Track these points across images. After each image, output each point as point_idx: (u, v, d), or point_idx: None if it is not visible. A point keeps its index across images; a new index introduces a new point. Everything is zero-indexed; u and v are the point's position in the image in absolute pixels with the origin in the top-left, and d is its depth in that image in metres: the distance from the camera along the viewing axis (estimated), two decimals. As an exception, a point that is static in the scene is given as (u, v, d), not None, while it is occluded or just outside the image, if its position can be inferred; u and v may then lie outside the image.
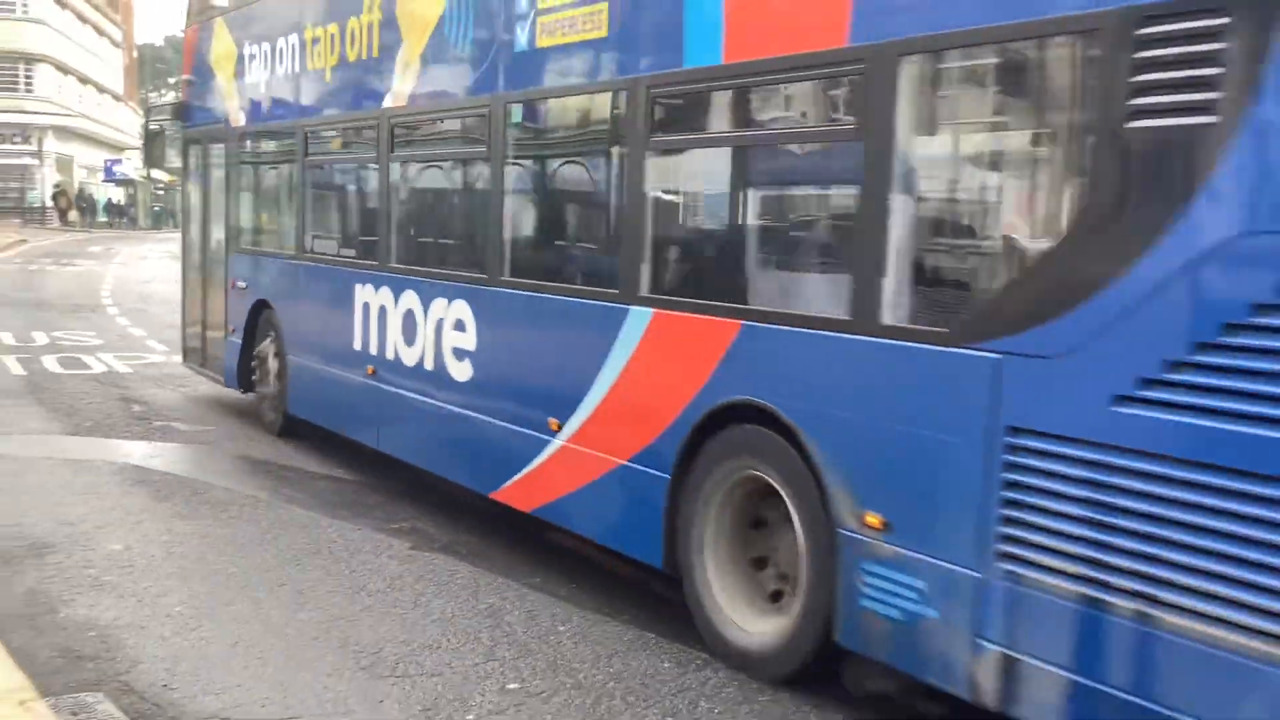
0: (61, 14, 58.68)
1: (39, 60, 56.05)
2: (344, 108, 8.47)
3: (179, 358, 12.27)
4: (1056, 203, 4.03)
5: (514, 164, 6.66)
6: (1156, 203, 3.47)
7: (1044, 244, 3.99)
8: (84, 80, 62.52)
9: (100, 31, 66.67)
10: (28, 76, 56.04)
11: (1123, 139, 3.57)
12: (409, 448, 7.66)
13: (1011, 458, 3.84)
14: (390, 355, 7.63)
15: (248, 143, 10.21)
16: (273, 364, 9.54)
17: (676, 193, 5.81)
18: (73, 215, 52.88)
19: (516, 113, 6.56)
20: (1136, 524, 3.50)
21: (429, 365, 7.19)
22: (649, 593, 5.93)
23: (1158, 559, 3.45)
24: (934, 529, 4.13)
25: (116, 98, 68.40)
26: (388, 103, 7.69)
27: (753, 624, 5.03)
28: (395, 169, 7.80)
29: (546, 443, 6.15)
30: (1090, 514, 3.62)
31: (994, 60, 4.24)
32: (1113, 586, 3.57)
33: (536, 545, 6.65)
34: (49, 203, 53.96)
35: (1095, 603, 3.61)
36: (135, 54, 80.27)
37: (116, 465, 8.36)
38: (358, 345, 8.05)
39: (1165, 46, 3.44)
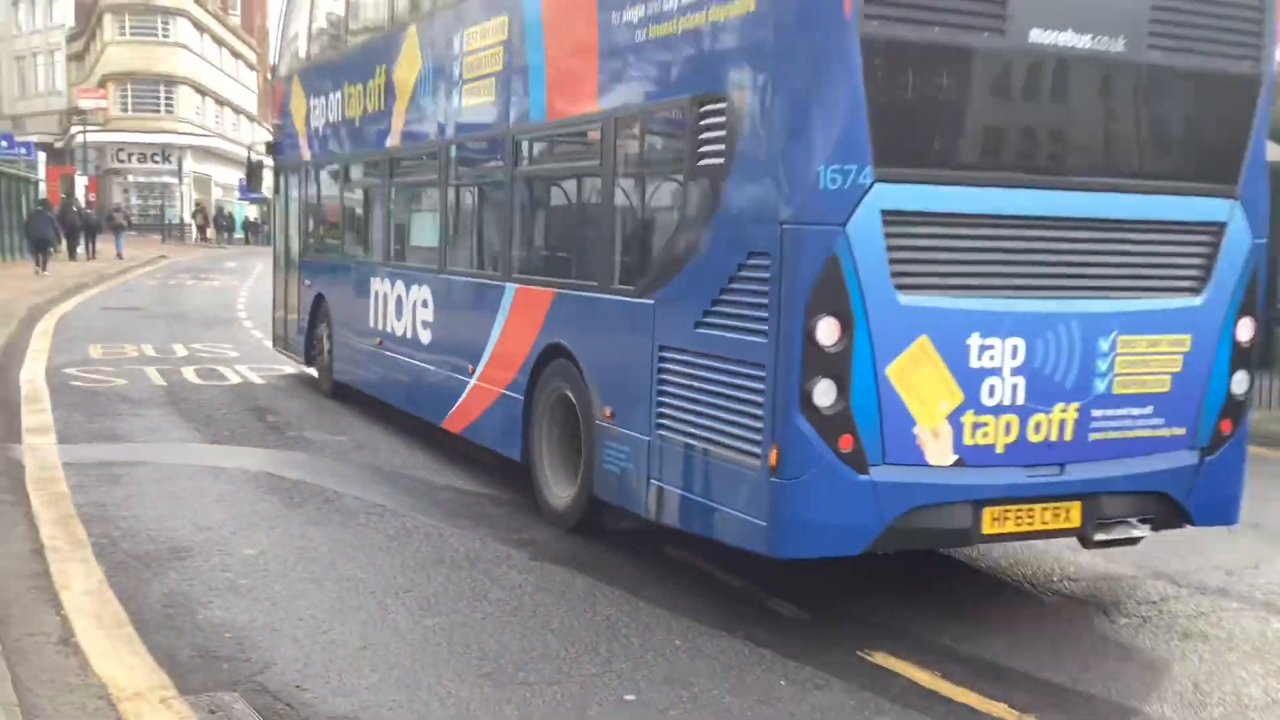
0: (200, 38, 61.01)
1: (179, 83, 58.35)
2: (366, 147, 11.06)
3: (313, 369, 12.73)
4: (675, 212, 6.27)
5: (451, 188, 9.35)
6: (706, 212, 5.79)
7: (667, 236, 6.26)
8: (221, 102, 64.86)
9: (236, 54, 69.11)
10: (168, 98, 58.37)
11: (695, 174, 5.87)
12: (398, 396, 10.39)
13: (660, 364, 6.13)
14: (389, 329, 10.36)
15: (312, 172, 12.94)
16: (326, 343, 12.19)
17: (527, 204, 8.36)
18: (210, 231, 54.88)
19: (454, 151, 9.17)
20: (702, 395, 5.76)
21: (409, 334, 9.89)
22: (764, 609, 5.95)
23: (710, 415, 5.70)
24: (631, 414, 6.41)
25: (251, 118, 70.79)
26: (389, 143, 10.37)
27: (563, 491, 7.36)
28: (394, 191, 10.65)
29: (466, 383, 8.70)
30: (686, 392, 5.91)
31: (649, 124, 6.59)
32: (695, 435, 5.83)
33: (653, 559, 6.71)
34: (188, 220, 56.09)
35: (689, 446, 5.88)
36: (269, 76, 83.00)
37: (251, 473, 8.67)
38: (372, 324, 10.75)
39: (706, 118, 5.77)
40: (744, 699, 4.82)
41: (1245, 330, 5.83)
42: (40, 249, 29.04)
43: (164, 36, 57.90)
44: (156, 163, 58.32)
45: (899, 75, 5.23)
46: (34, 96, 66.98)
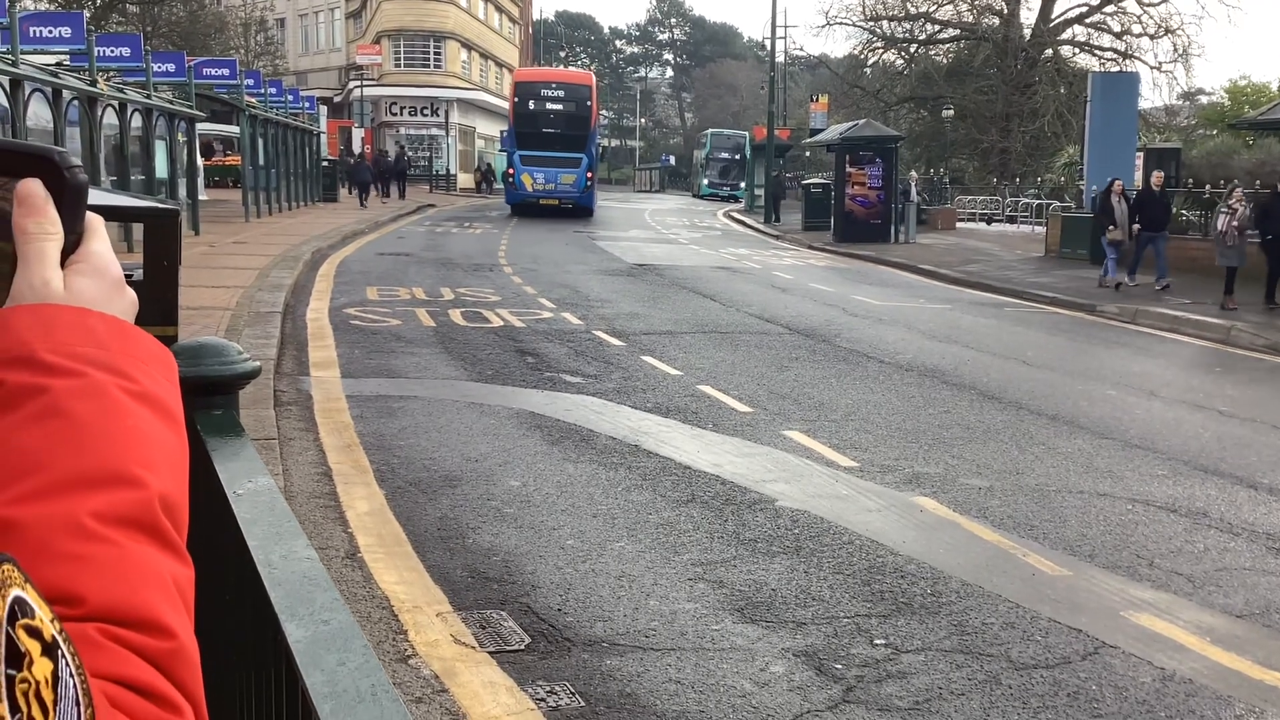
0: (467, -6, 63.25)
1: (447, 38, 60.75)
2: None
3: (567, 314, 13.14)
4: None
5: None
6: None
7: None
8: (485, 55, 67.18)
9: (500, 9, 71.34)
10: (437, 53, 60.89)
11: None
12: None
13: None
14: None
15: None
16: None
17: None
18: (474, 183, 57.25)
19: None
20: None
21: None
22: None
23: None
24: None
25: (512, 71, 72.97)
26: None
27: None
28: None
29: None
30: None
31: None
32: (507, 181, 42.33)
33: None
34: (454, 171, 58.62)
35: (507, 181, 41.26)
36: (530, 30, 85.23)
37: (513, 410, 9.07)
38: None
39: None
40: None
41: (590, 176, 38.22)
42: (362, 190, 40.41)
43: (434, -7, 60.28)
44: (425, 115, 61.08)
45: (525, 137, 37.80)
46: (315, 53, 71.23)
